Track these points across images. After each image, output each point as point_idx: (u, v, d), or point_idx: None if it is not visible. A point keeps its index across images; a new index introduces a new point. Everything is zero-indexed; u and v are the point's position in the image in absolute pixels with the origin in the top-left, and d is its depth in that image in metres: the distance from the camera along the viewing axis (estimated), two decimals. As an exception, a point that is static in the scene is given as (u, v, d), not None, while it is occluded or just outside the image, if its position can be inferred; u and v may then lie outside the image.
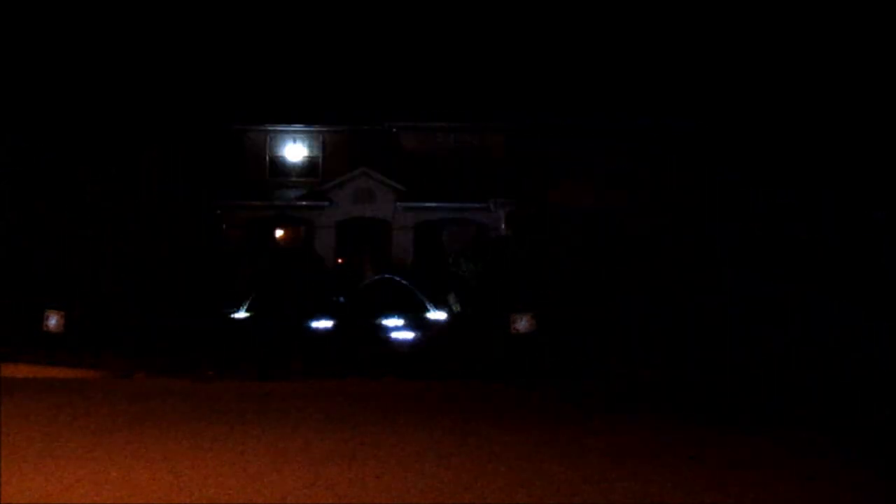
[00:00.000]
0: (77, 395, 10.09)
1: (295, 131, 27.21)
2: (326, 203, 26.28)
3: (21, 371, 12.24)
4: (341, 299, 19.95)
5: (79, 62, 26.68)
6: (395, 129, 27.17)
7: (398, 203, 26.27)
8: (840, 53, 23.96)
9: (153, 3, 28.55)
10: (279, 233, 26.97)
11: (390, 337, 16.48)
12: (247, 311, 18.32)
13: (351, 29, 29.74)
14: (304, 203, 26.37)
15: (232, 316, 18.07)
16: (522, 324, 15.70)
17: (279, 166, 27.05)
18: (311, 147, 27.17)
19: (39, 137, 25.17)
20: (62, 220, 22.33)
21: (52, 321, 15.85)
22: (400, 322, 17.44)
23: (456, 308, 20.06)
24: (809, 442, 7.86)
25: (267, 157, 27.08)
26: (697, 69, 26.57)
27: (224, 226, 26.35)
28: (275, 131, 27.18)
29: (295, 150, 27.16)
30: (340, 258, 26.76)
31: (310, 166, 27.00)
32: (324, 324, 17.33)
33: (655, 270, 18.98)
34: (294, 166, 27.08)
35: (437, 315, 19.16)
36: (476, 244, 24.60)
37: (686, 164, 24.24)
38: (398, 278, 20.22)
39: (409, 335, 16.58)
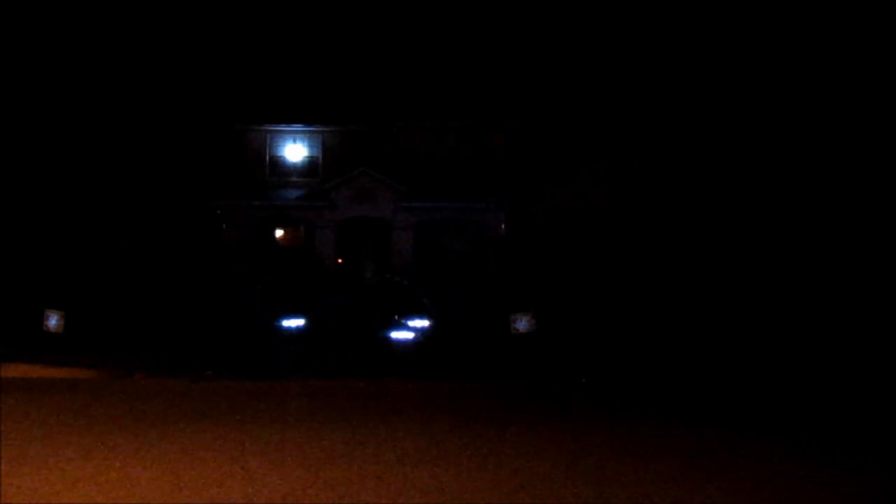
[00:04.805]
0: (77, 395, 10.09)
1: (295, 131, 27.18)
2: (326, 203, 26.25)
3: (21, 371, 12.25)
4: (339, 299, 19.90)
5: (79, 62, 26.69)
6: (395, 129, 27.17)
7: (398, 203, 26.25)
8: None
9: (155, 3, 28.56)
10: (279, 233, 26.92)
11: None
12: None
13: (351, 29, 29.73)
14: (304, 203, 26.33)
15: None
16: (522, 324, 15.70)
17: (279, 166, 27.02)
18: (311, 147, 27.14)
19: (40, 138, 25.19)
20: (62, 221, 22.34)
21: (52, 321, 15.84)
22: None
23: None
24: (809, 442, 7.86)
25: (267, 157, 27.05)
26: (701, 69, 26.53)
27: (224, 226, 26.33)
28: (275, 131, 27.15)
29: (295, 150, 27.13)
30: (340, 258, 26.72)
31: (310, 166, 26.96)
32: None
33: (656, 270, 18.98)
34: (294, 166, 27.05)
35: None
36: (476, 244, 24.57)
37: (686, 164, 24.21)
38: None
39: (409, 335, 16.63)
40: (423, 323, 18.19)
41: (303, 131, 27.25)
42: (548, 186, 24.71)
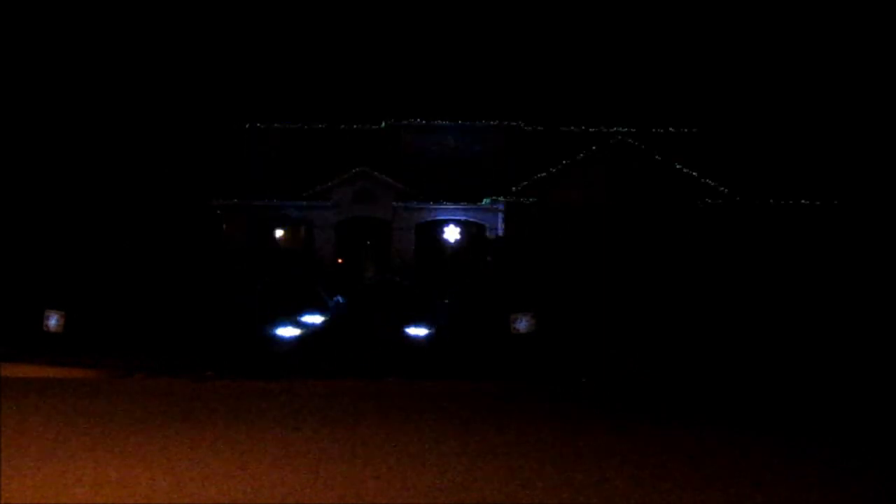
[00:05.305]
0: (77, 395, 10.08)
1: (295, 130, 27.19)
2: (326, 203, 26.26)
3: (21, 371, 12.24)
4: (339, 299, 19.92)
5: (80, 62, 26.72)
6: (395, 129, 27.18)
7: (398, 203, 26.26)
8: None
9: (158, 5, 28.61)
10: (279, 233, 26.93)
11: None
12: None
13: (353, 29, 29.77)
14: (304, 203, 26.34)
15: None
16: (522, 324, 15.69)
17: (280, 165, 27.02)
18: (312, 146, 27.13)
19: (41, 138, 25.21)
20: (63, 221, 22.35)
21: (52, 321, 15.83)
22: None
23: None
24: (809, 442, 7.86)
25: (268, 157, 27.04)
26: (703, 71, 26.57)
27: (224, 226, 26.32)
28: (275, 130, 27.15)
29: (296, 150, 27.13)
30: (340, 258, 26.72)
31: (311, 165, 26.94)
32: None
33: (656, 270, 18.99)
34: (295, 165, 27.03)
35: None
36: (476, 244, 24.59)
37: (685, 164, 24.24)
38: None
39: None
40: (424, 323, 18.18)
41: (304, 130, 27.25)
42: (547, 186, 24.71)
